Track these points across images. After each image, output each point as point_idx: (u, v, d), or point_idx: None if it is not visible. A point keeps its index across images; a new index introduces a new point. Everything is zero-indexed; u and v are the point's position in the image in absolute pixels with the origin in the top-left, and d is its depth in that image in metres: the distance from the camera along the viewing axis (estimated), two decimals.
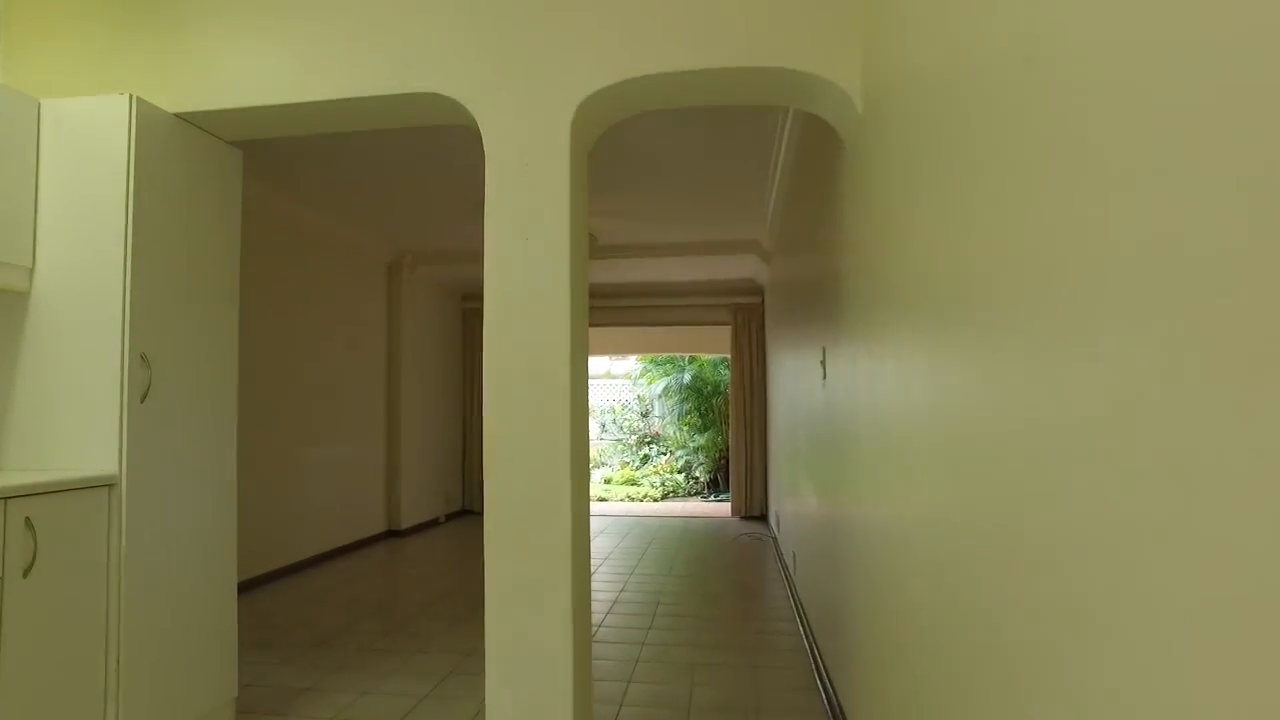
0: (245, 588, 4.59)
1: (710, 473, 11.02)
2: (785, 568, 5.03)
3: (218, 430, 2.66)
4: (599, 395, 13.41)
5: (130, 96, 2.33)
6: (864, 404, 2.20)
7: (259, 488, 4.87)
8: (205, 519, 2.59)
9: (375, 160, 4.40)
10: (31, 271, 2.36)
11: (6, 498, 1.98)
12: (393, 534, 6.73)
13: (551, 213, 2.28)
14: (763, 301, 7.81)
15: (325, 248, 5.80)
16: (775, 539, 6.26)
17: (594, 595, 4.44)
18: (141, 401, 2.33)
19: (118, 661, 2.24)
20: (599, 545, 6.38)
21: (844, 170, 2.45)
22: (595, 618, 4.02)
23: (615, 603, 4.41)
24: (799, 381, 4.14)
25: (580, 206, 2.40)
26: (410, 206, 5.42)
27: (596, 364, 13.11)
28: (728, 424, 9.34)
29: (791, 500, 4.80)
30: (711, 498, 10.44)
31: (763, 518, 7.69)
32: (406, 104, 2.42)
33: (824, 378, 3.00)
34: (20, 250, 2.33)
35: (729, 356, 8.47)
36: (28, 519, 2.03)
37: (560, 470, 2.23)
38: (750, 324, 8.00)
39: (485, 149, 2.33)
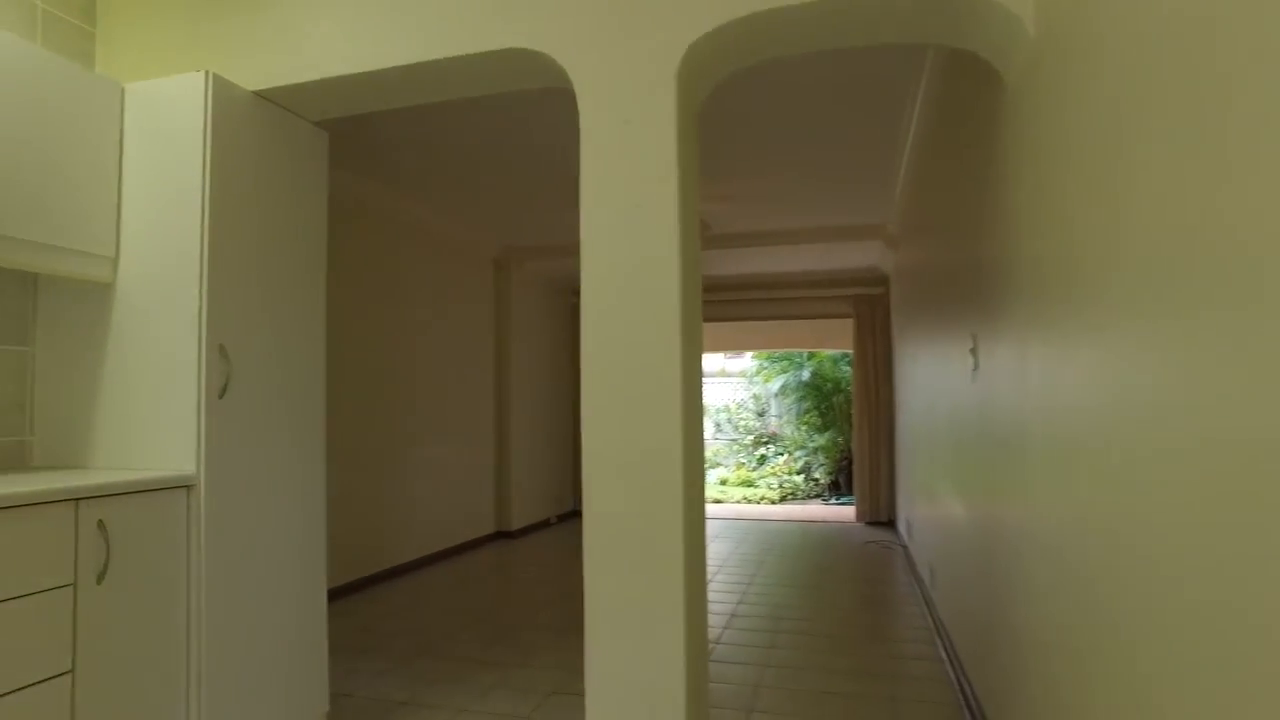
0: (349, 590, 4.53)
1: (831, 474, 10.47)
2: (920, 581, 4.55)
3: (304, 427, 2.51)
4: (713, 394, 13.06)
5: (206, 74, 2.19)
6: (1036, 400, 1.79)
7: (365, 487, 4.82)
8: (291, 521, 2.43)
9: (477, 154, 4.23)
10: (115, 262, 2.26)
11: (78, 499, 1.85)
12: (503, 535, 6.62)
13: (657, 180, 1.98)
14: (887, 291, 7.26)
15: (434, 246, 5.73)
16: (906, 548, 5.75)
17: (709, 607, 4.12)
18: (220, 397, 2.18)
19: (199, 673, 2.10)
20: (714, 551, 6.04)
21: (1005, 118, 2.03)
22: (711, 632, 3.70)
23: (733, 616, 4.07)
24: (938, 376, 3.67)
25: (690, 174, 2.09)
26: (514, 201, 5.26)
27: (709, 362, 12.78)
28: (849, 423, 8.81)
29: (927, 507, 4.32)
30: (833, 500, 9.90)
31: (890, 524, 7.15)
32: (494, 64, 2.18)
33: (975, 368, 2.56)
34: (103, 240, 2.23)
35: (850, 351, 7.96)
36: (100, 522, 1.90)
37: (670, 483, 1.92)
38: (874, 316, 7.47)
39: (580, 110, 2.06)
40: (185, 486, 2.12)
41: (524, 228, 6.10)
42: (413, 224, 5.43)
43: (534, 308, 7.22)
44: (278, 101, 2.40)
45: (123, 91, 2.28)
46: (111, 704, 1.90)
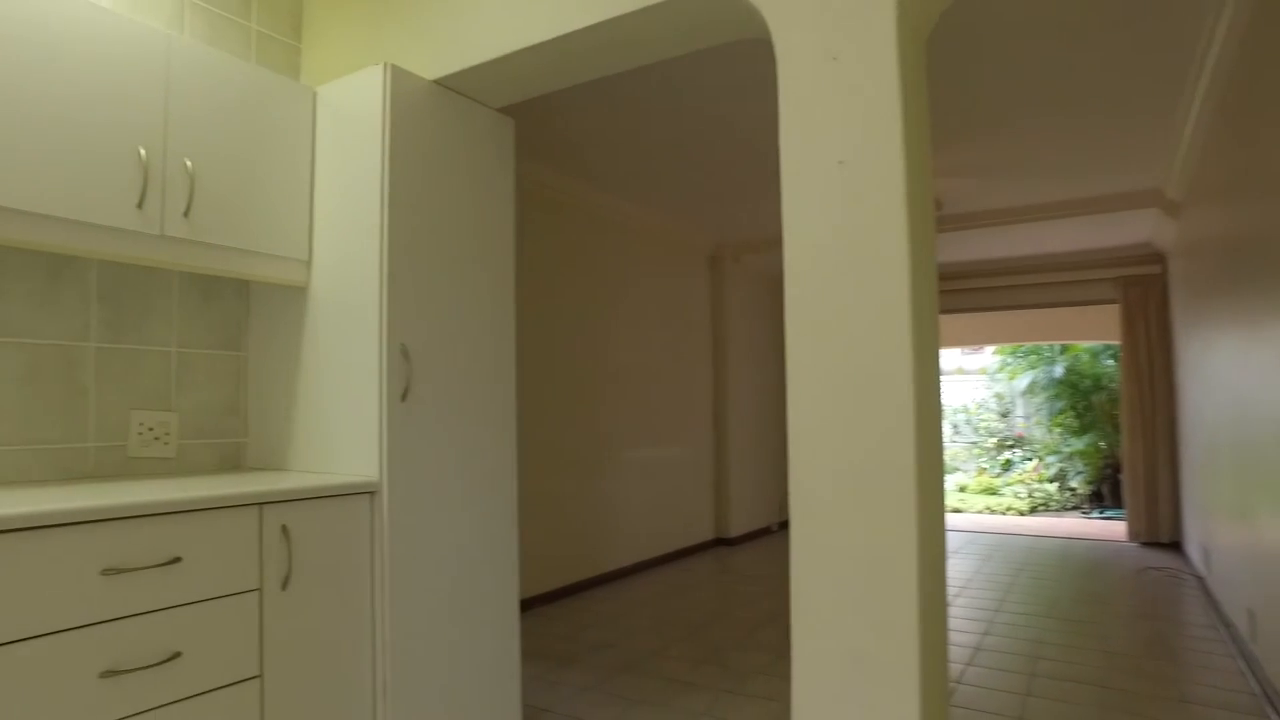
0: (554, 597, 4.48)
1: (1091, 484, 9.15)
2: (1229, 626, 3.67)
3: (492, 430, 2.38)
4: (949, 393, 11.98)
5: (385, 66, 2.11)
6: None
7: (572, 490, 4.75)
8: (480, 526, 2.30)
9: (685, 146, 4.01)
10: (309, 265, 2.26)
11: (262, 504, 1.81)
12: (721, 542, 6.36)
13: (876, 129, 1.60)
14: (1164, 271, 6.13)
15: (643, 241, 5.60)
16: (1202, 580, 4.75)
17: (949, 639, 3.57)
18: (402, 400, 2.09)
19: (384, 684, 2.01)
20: (954, 568, 5.38)
21: None
22: (952, 668, 3.17)
23: (978, 650, 3.50)
24: (1256, 372, 2.89)
25: (918, 120, 1.68)
26: (726, 193, 4.98)
27: (944, 358, 11.72)
28: (1114, 426, 7.59)
29: (1239, 533, 3.46)
30: (1095, 514, 8.63)
31: (1174, 546, 6.02)
32: (678, 15, 1.90)
33: None
34: (298, 244, 2.23)
35: (1116, 343, 6.83)
36: (284, 527, 1.85)
37: (901, 506, 1.52)
38: (1147, 300, 6.34)
39: (776, 50, 1.72)
40: (369, 493, 2.04)
41: (738, 221, 5.80)
42: (621, 220, 5.33)
43: (752, 303, 6.90)
44: (457, 89, 2.29)
45: (315, 96, 2.28)
46: (299, 712, 1.85)
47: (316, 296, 2.23)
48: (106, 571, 1.53)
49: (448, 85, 2.26)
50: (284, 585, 1.84)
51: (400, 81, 2.14)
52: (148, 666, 1.58)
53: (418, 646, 2.09)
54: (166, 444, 2.16)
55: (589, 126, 3.83)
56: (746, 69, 2.97)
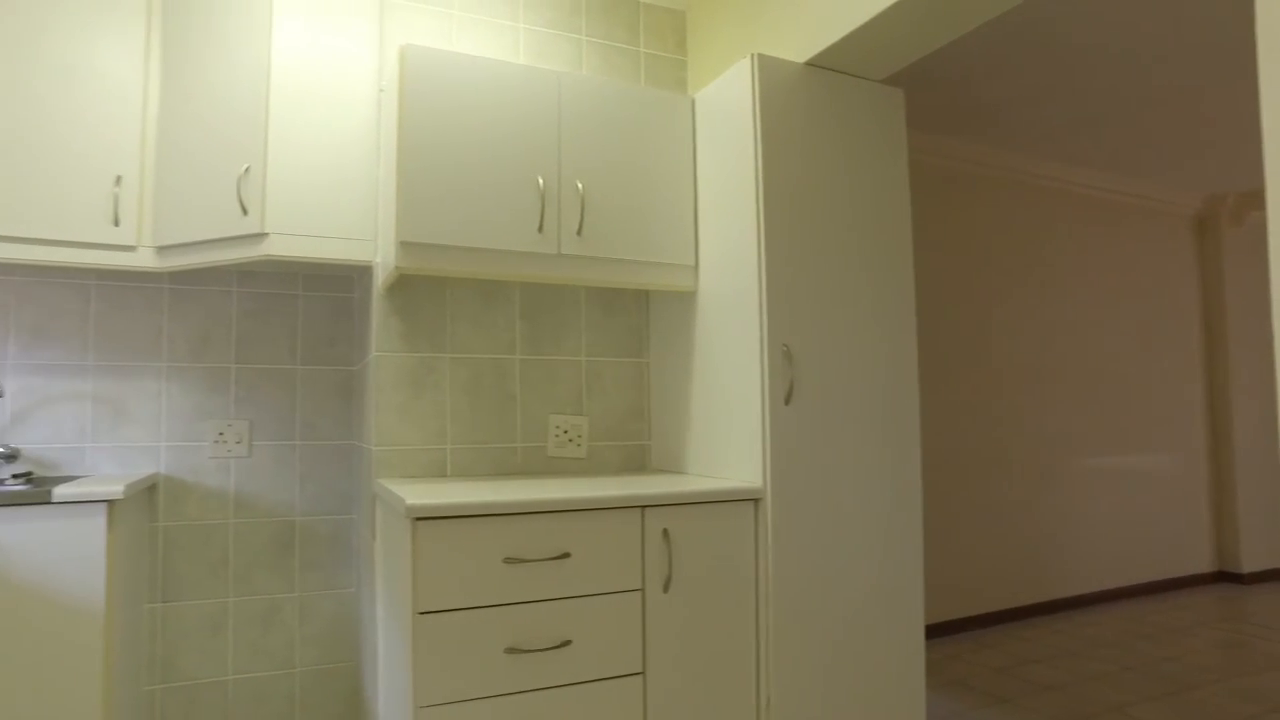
0: (990, 621, 3.97)
1: None
2: None
3: (891, 436, 2.16)
4: None
5: (751, 58, 2.06)
6: None
7: (1016, 503, 4.18)
8: (877, 540, 2.11)
9: (1149, 85, 3.27)
10: (696, 270, 2.31)
11: (644, 507, 1.88)
12: (1227, 578, 5.07)
13: None
14: None
15: (1095, 212, 4.73)
16: None
17: None
18: (786, 403, 2.01)
19: (767, 699, 1.95)
20: None
21: None
22: None
23: None
24: None
25: None
26: (1220, 136, 3.95)
27: None
28: None
29: None
30: None
31: None
32: None
33: None
34: (685, 250, 2.29)
35: None
36: (665, 531, 1.90)
37: None
38: None
39: None
40: (752, 500, 2.00)
41: (1237, 170, 4.58)
42: (1058, 189, 4.57)
43: (1261, 275, 5.40)
44: (832, 66, 2.14)
45: (693, 103, 2.33)
46: (679, 714, 1.88)
47: (703, 300, 2.27)
48: (508, 560, 1.73)
49: (821, 64, 2.12)
50: (665, 588, 1.89)
51: (768, 70, 2.07)
52: (543, 649, 1.74)
53: (805, 664, 1.99)
54: (579, 445, 2.39)
55: (1013, 84, 3.33)
56: None
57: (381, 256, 2.16)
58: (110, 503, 1.97)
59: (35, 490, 1.93)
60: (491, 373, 2.31)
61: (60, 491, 1.93)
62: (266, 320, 2.60)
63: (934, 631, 3.84)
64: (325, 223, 2.17)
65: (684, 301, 2.36)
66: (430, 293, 2.25)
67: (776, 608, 1.96)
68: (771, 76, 2.06)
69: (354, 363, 2.66)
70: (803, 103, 2.10)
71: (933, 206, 4.06)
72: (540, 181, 2.08)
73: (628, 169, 2.22)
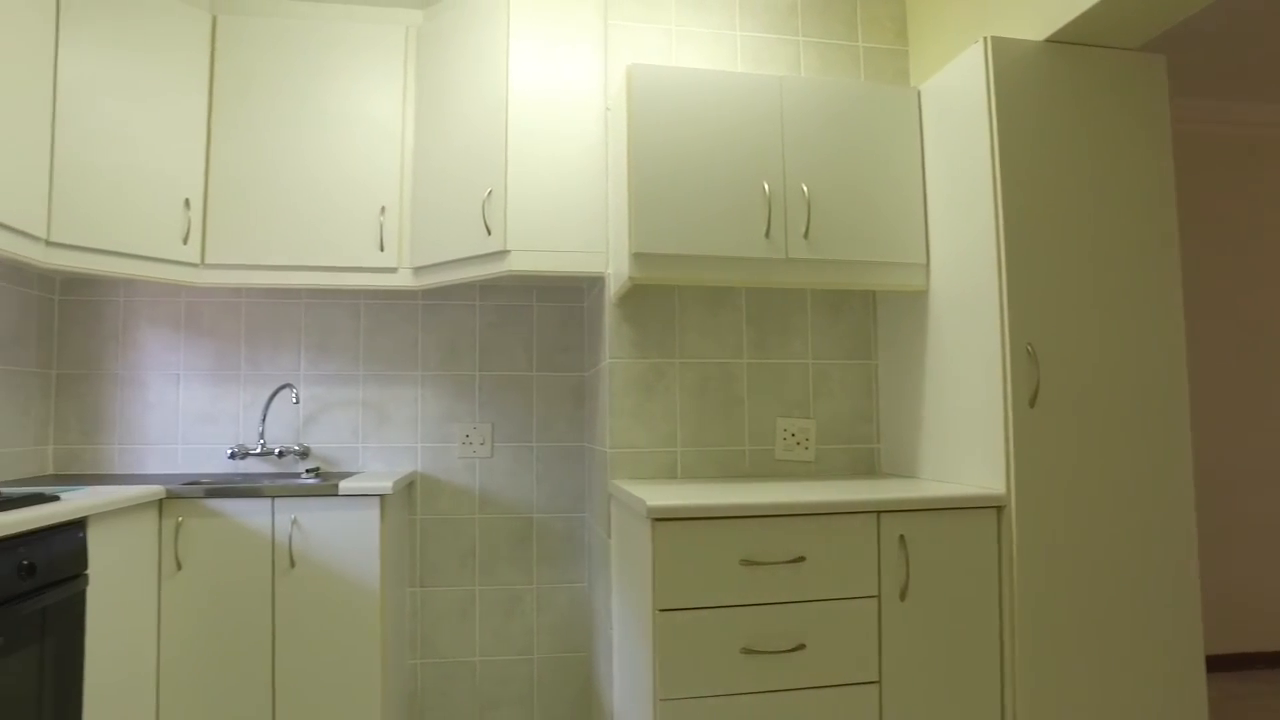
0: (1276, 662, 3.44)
1: None
2: None
3: (1154, 441, 1.96)
4: None
5: (983, 41, 1.95)
6: None
7: None
8: (1139, 557, 1.92)
9: None
10: (927, 268, 2.22)
11: (879, 512, 1.84)
12: None
13: None
14: None
15: None
16: None
17: None
18: (1030, 406, 1.88)
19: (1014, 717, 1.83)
20: None
21: None
22: None
23: None
24: None
25: None
26: None
27: None
28: None
29: None
30: None
31: None
32: None
33: None
34: (914, 248, 2.21)
35: None
36: (901, 537, 1.84)
37: None
38: None
39: None
40: (994, 507, 1.89)
41: None
42: None
43: None
44: (1079, 39, 1.97)
45: (918, 95, 2.24)
46: None
47: (935, 299, 2.18)
48: (744, 562, 1.75)
49: (1066, 39, 1.97)
50: (902, 595, 1.83)
51: (1004, 53, 1.94)
52: (778, 651, 1.74)
53: (1058, 686, 1.84)
54: (806, 449, 2.37)
55: None
56: None
57: (614, 267, 2.27)
58: (382, 496, 2.23)
59: (325, 484, 2.21)
60: (719, 377, 2.35)
61: (345, 485, 2.20)
62: (505, 330, 2.82)
63: (1213, 665, 3.41)
64: (560, 238, 2.31)
65: (914, 301, 2.28)
66: (659, 300, 2.33)
67: (1023, 623, 1.83)
68: (1007, 59, 1.94)
69: (585, 368, 2.81)
70: (1043, 83, 1.96)
71: (1202, 182, 3.62)
72: (766, 187, 2.09)
73: (853, 168, 2.18)
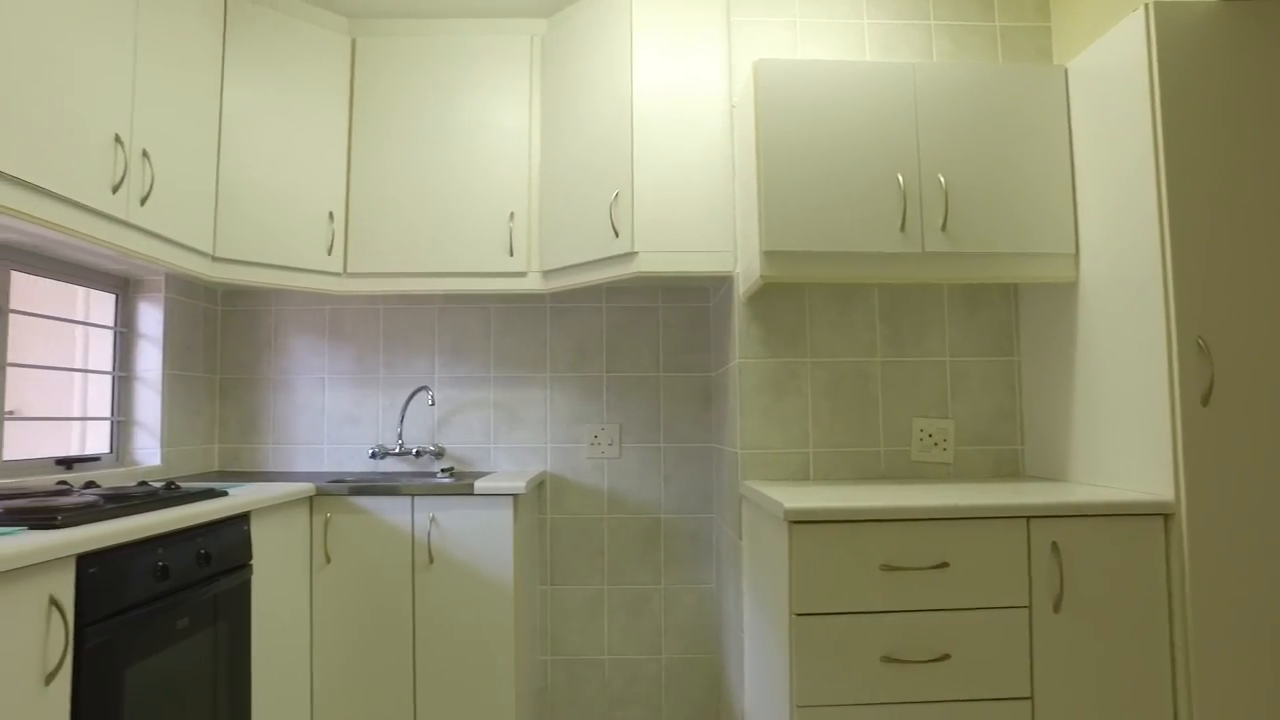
0: None
1: None
2: None
3: None
4: None
5: (1146, 9, 1.80)
6: None
7: None
8: None
9: None
10: (1076, 259, 2.08)
11: (1029, 517, 1.73)
12: None
13: None
14: None
15: None
16: None
17: None
18: (1203, 404, 1.73)
19: None
20: None
21: None
22: None
23: None
24: None
25: None
26: None
27: None
28: None
29: None
30: None
31: None
32: None
33: None
34: (1062, 237, 2.08)
35: None
36: (1054, 544, 1.73)
37: None
38: None
39: None
40: (1160, 515, 1.75)
41: None
42: None
43: None
44: None
45: (1065, 73, 2.10)
46: None
47: (1087, 291, 2.04)
48: (885, 567, 1.69)
49: None
50: (1056, 607, 1.72)
51: (1169, 19, 1.79)
52: (920, 661, 1.67)
53: (1244, 714, 1.68)
54: (944, 450, 2.26)
55: None
56: None
57: (742, 266, 2.25)
58: (515, 496, 2.28)
59: (461, 483, 2.29)
60: (852, 376, 2.28)
61: (480, 485, 2.27)
62: (632, 332, 2.84)
63: None
64: (687, 238, 2.31)
65: (1061, 293, 2.14)
66: (789, 298, 2.29)
67: (1199, 644, 1.68)
68: (1174, 25, 1.79)
69: (712, 369, 2.79)
70: (1216, 48, 1.80)
71: None
72: (900, 179, 2.01)
73: (993, 156, 2.07)
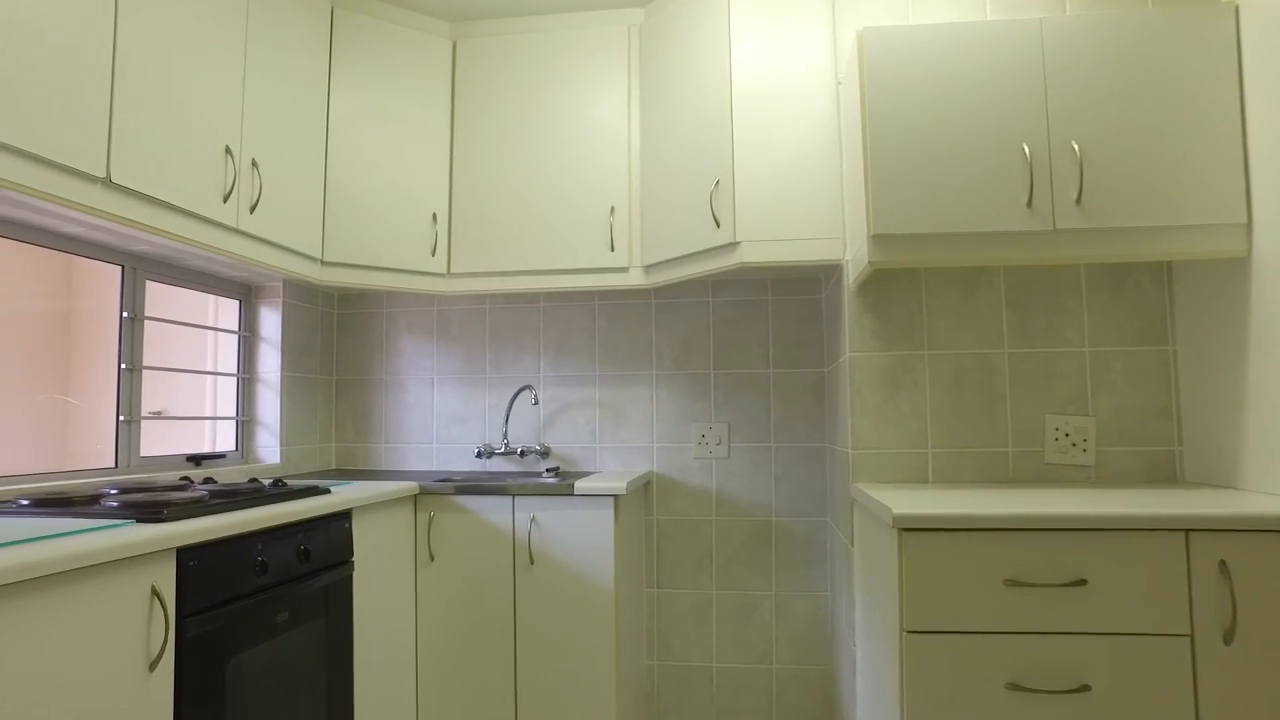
0: None
1: None
2: None
3: None
4: None
5: None
6: None
7: None
8: None
9: None
10: (1248, 229, 1.79)
11: (1187, 530, 1.50)
12: None
13: None
14: None
15: None
16: None
17: None
18: None
19: None
20: None
21: None
22: None
23: None
24: None
25: None
26: None
27: None
28: None
29: None
30: None
31: None
32: None
33: None
34: (1229, 205, 1.80)
35: None
36: (1221, 563, 1.48)
37: None
38: None
39: None
40: None
41: None
42: None
43: None
44: None
45: (1236, 10, 1.82)
46: None
47: (1262, 266, 1.75)
48: (1009, 582, 1.50)
49: None
50: (1227, 639, 1.47)
51: None
52: (1054, 691, 1.47)
53: None
54: (1084, 451, 2.02)
55: None
56: None
57: (852, 253, 2.09)
58: (616, 497, 2.22)
59: (563, 484, 2.25)
60: (976, 369, 2.07)
61: (580, 485, 2.22)
62: (739, 327, 2.72)
63: None
64: (792, 225, 2.17)
65: (1229, 270, 1.86)
66: (904, 286, 2.11)
67: None
68: None
69: (824, 364, 2.64)
70: None
71: None
72: (1026, 150, 1.80)
73: (1139, 116, 1.82)
